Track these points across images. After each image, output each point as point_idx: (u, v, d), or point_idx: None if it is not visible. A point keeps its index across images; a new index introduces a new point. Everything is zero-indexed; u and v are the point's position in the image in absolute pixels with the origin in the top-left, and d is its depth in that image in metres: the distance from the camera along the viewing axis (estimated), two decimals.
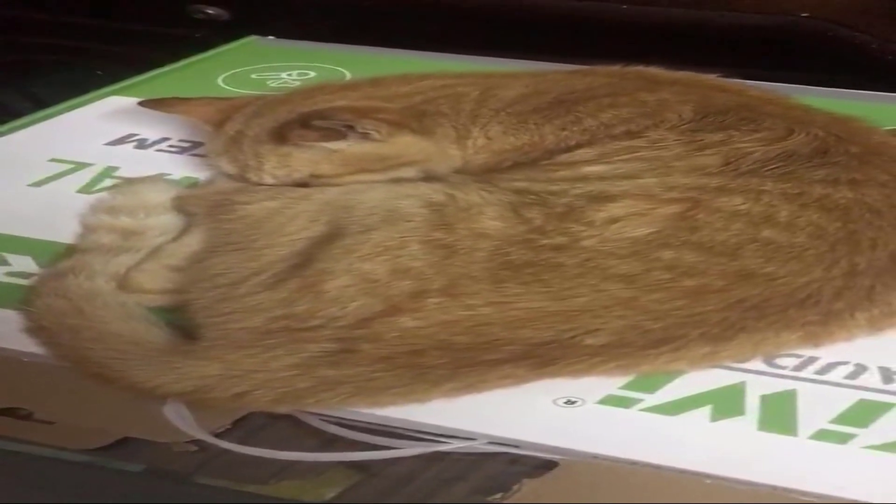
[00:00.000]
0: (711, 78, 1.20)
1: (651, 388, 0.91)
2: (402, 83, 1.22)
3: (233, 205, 1.09)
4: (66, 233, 1.15)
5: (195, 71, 1.58)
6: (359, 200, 1.04)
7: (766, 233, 0.95)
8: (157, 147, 1.35)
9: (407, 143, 1.13)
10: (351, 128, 1.12)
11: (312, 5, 1.88)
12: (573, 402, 0.90)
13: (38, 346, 0.99)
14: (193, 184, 1.23)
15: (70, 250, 1.10)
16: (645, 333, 0.90)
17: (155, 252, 1.08)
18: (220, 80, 1.54)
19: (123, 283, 1.04)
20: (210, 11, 1.96)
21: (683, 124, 1.08)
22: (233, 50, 1.65)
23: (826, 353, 0.94)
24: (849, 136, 1.07)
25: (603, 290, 0.91)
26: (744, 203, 0.97)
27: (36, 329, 0.99)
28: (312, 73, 1.54)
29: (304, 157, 1.13)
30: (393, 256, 0.95)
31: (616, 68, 1.22)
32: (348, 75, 1.49)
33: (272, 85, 1.52)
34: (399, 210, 1.00)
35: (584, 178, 1.02)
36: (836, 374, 0.93)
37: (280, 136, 1.14)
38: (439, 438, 0.88)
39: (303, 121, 1.13)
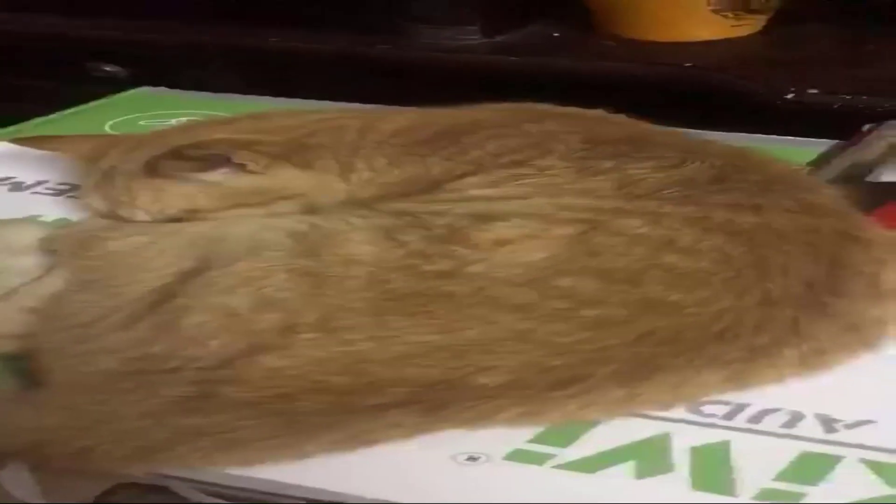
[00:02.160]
0: (597, 112, 1.00)
1: (564, 442, 0.69)
2: (286, 117, 1.02)
3: (98, 241, 0.88)
4: None
5: (82, 118, 1.36)
6: (228, 234, 0.83)
7: (669, 258, 0.74)
8: (32, 190, 1.12)
9: (287, 177, 0.93)
10: (227, 160, 0.92)
11: (212, 60, 1.66)
12: (475, 459, 0.67)
13: None
14: (65, 224, 0.99)
15: None
16: (547, 371, 0.69)
17: (9, 294, 0.85)
18: (107, 127, 1.31)
19: None
20: (108, 69, 1.74)
21: (572, 154, 0.88)
22: (122, 98, 1.44)
23: (756, 398, 0.73)
24: (747, 164, 0.88)
25: (494, 321, 0.70)
26: (643, 226, 0.76)
27: None
28: None
29: (179, 192, 0.93)
30: (256, 288, 0.73)
31: (502, 104, 1.01)
32: None
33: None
34: (263, 241, 0.79)
35: (468, 200, 0.82)
36: (771, 423, 0.71)
37: (153, 168, 0.94)
38: None
39: (175, 151, 0.92)
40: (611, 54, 1.54)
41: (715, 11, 1.56)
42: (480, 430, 0.69)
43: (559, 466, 0.67)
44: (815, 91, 1.32)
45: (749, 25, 1.59)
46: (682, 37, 1.57)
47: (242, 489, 0.66)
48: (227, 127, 1.00)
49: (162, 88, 1.47)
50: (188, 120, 1.10)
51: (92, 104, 1.41)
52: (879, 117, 1.22)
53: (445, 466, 0.67)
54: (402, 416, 0.67)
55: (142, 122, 1.33)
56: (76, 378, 0.71)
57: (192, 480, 0.66)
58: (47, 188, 1.12)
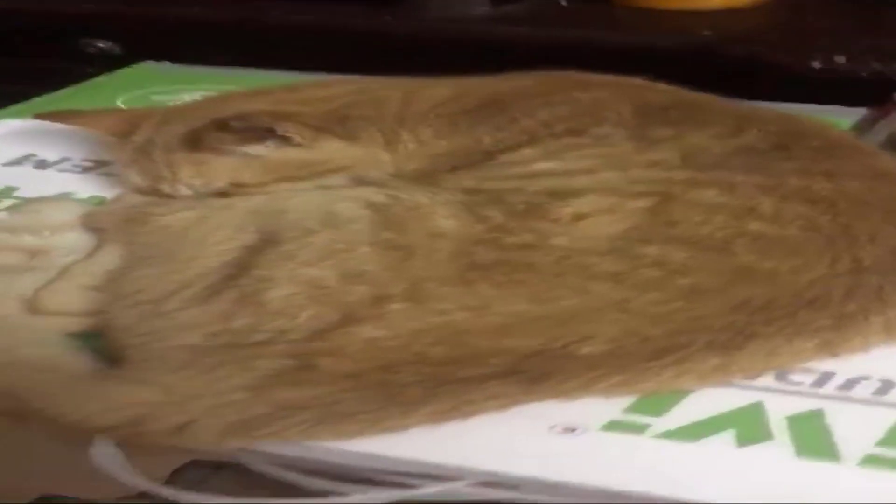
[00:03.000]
0: (640, 80, 1.00)
1: (658, 411, 0.69)
2: (318, 88, 1.03)
3: (147, 217, 0.89)
4: None
5: (92, 93, 1.35)
6: (290, 206, 0.83)
7: (753, 226, 0.75)
8: (57, 167, 1.12)
9: (333, 149, 0.94)
10: (271, 132, 0.92)
11: (210, 35, 1.65)
12: (572, 430, 0.68)
13: None
14: (100, 202, 1.00)
15: None
16: (645, 341, 0.69)
17: (66, 271, 0.86)
18: (119, 102, 1.31)
19: (33, 306, 0.81)
20: (101, 45, 1.73)
21: (625, 122, 0.89)
22: (129, 73, 1.43)
23: (842, 366, 0.73)
24: (803, 130, 0.89)
25: (588, 291, 0.71)
26: (719, 195, 0.77)
27: None
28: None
29: (223, 165, 0.93)
30: (341, 261, 0.74)
31: (541, 73, 1.02)
32: None
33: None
34: (339, 213, 0.79)
35: (537, 175, 0.83)
36: (863, 391, 0.72)
37: (194, 141, 0.94)
38: (412, 481, 0.65)
39: (219, 124, 0.92)
40: (624, 23, 1.53)
41: None
42: (574, 402, 0.69)
43: (659, 436, 0.67)
44: (842, 59, 1.32)
45: None
46: (696, 4, 1.57)
47: (324, 462, 0.66)
48: (264, 98, 1.00)
49: (165, 63, 1.47)
50: (218, 93, 1.08)
51: (98, 80, 1.40)
52: None
53: (543, 438, 0.67)
54: (503, 387, 0.67)
55: (154, 97, 1.32)
56: (159, 354, 0.71)
57: (266, 454, 0.67)
58: (73, 165, 1.11)
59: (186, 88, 1.34)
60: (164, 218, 0.87)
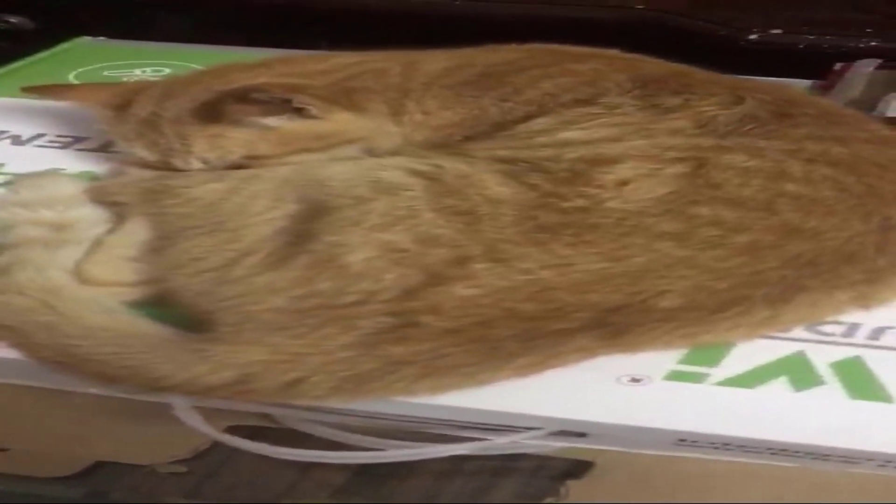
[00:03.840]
0: (624, 52, 1.04)
1: (712, 362, 0.76)
2: (316, 61, 1.04)
3: (173, 190, 0.90)
4: None
5: (42, 69, 1.36)
6: (327, 175, 0.86)
7: (789, 188, 0.80)
8: (34, 143, 1.14)
9: (344, 120, 0.96)
10: (287, 103, 0.94)
11: (123, 11, 1.67)
12: (638, 380, 0.74)
13: (5, 348, 0.78)
14: (94, 177, 1.02)
15: None
16: (713, 294, 0.75)
17: (99, 244, 0.88)
18: (71, 77, 1.32)
19: (83, 277, 0.84)
20: (13, 20, 1.73)
21: (628, 91, 0.94)
22: (72, 49, 1.44)
23: (865, 318, 0.80)
24: (795, 99, 0.94)
25: (656, 249, 0.76)
26: (749, 160, 0.82)
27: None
28: (167, 70, 1.33)
29: (238, 138, 0.95)
30: (410, 226, 0.77)
31: (527, 45, 1.06)
32: None
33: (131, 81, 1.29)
34: (386, 180, 0.83)
35: (567, 144, 0.86)
36: (891, 339, 0.78)
37: (209, 114, 0.96)
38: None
39: (239, 95, 0.95)
40: None
41: None
42: (636, 355, 0.75)
43: (720, 383, 0.74)
44: (778, 31, 1.39)
45: None
46: None
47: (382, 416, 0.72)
48: (266, 71, 1.02)
49: (101, 39, 1.48)
50: (212, 66, 1.10)
51: (41, 55, 1.41)
52: (844, 56, 1.31)
53: (614, 388, 0.73)
54: (588, 340, 0.73)
55: (106, 73, 1.34)
56: (253, 317, 0.74)
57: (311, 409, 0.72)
58: (49, 141, 1.13)
59: (139, 64, 1.36)
60: (191, 190, 0.89)
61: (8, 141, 1.14)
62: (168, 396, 0.74)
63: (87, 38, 1.48)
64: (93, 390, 0.76)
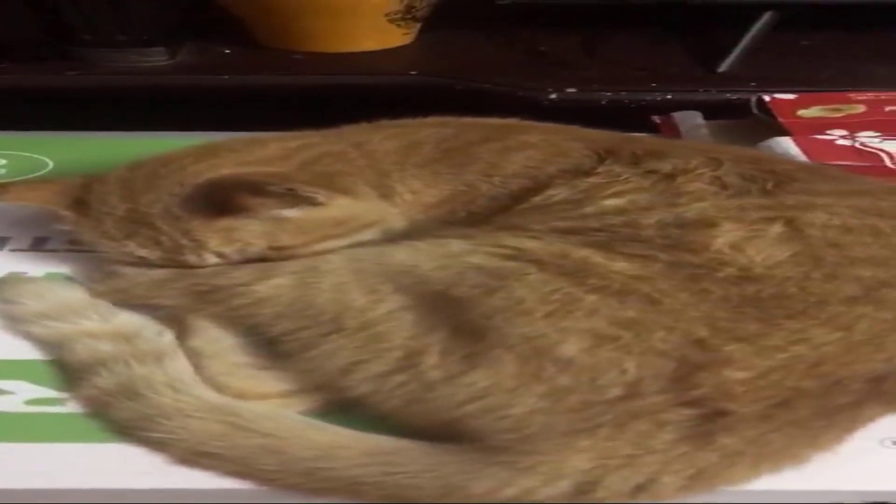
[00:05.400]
0: (532, 122, 1.10)
1: None
2: (257, 147, 1.04)
3: (230, 289, 0.92)
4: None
5: None
6: (408, 264, 0.88)
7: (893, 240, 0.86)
8: None
9: (350, 205, 0.98)
10: (292, 192, 0.96)
11: None
12: None
13: (218, 476, 0.78)
14: (100, 280, 0.99)
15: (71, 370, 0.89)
16: None
17: (204, 354, 0.88)
18: None
19: (236, 394, 0.84)
20: None
21: (604, 163, 0.99)
22: None
23: None
24: (767, 158, 1.02)
25: (863, 314, 0.80)
26: (832, 218, 0.87)
27: (196, 457, 0.79)
28: (2, 161, 1.30)
29: (255, 230, 0.96)
30: (588, 311, 0.80)
31: (447, 118, 1.10)
32: (49, 161, 1.29)
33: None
34: (493, 266, 0.85)
35: (621, 212, 0.91)
36: None
37: (207, 206, 0.96)
38: None
39: (253, 187, 0.95)
40: (307, 68, 1.63)
41: (391, 21, 1.69)
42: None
43: None
44: (573, 90, 1.50)
45: (410, 34, 1.74)
46: (356, 47, 1.69)
47: None
48: (223, 160, 1.01)
49: None
50: (158, 156, 1.05)
51: None
52: (647, 109, 1.43)
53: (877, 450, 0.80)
54: (871, 411, 0.79)
55: None
56: (521, 423, 0.77)
57: None
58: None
59: None
60: (253, 288, 0.90)
61: None
62: None
63: None
64: None
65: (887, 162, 1.20)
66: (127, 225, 0.98)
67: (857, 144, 1.25)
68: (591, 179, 0.97)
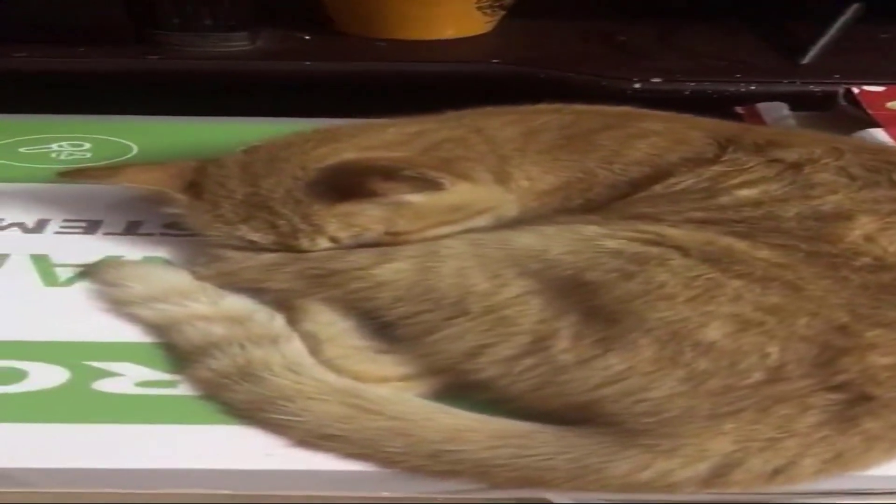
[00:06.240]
0: (650, 111, 1.09)
1: None
2: (379, 132, 1.04)
3: (348, 273, 0.92)
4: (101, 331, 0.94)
5: None
6: (538, 248, 0.88)
7: None
8: (54, 230, 1.10)
9: (469, 190, 0.98)
10: (421, 177, 0.96)
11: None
12: None
13: (340, 459, 0.79)
14: (202, 263, 0.99)
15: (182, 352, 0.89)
16: None
17: (319, 338, 0.89)
18: None
19: (358, 377, 0.85)
20: None
21: (726, 151, 0.99)
22: None
23: None
24: (881, 152, 1.01)
25: None
26: None
27: (318, 439, 0.80)
28: (87, 145, 1.31)
29: (374, 215, 0.97)
30: (732, 296, 0.81)
31: (565, 105, 1.09)
32: (133, 146, 1.29)
33: (54, 157, 1.27)
34: (632, 251, 0.85)
35: (755, 204, 0.91)
36: None
37: (331, 191, 0.96)
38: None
39: (386, 172, 0.95)
40: (389, 55, 1.63)
41: (479, 8, 1.69)
42: None
43: None
44: (658, 80, 1.50)
45: (492, 22, 1.73)
46: (437, 34, 1.68)
47: None
48: (346, 145, 1.01)
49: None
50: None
51: None
52: (730, 100, 1.43)
53: None
54: None
55: (22, 150, 1.29)
56: (662, 407, 0.78)
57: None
58: (62, 228, 1.10)
59: (55, 138, 1.32)
60: (373, 272, 0.90)
61: (16, 230, 1.10)
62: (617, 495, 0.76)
63: None
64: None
65: None
66: (245, 208, 0.98)
67: None
68: (716, 168, 0.97)
